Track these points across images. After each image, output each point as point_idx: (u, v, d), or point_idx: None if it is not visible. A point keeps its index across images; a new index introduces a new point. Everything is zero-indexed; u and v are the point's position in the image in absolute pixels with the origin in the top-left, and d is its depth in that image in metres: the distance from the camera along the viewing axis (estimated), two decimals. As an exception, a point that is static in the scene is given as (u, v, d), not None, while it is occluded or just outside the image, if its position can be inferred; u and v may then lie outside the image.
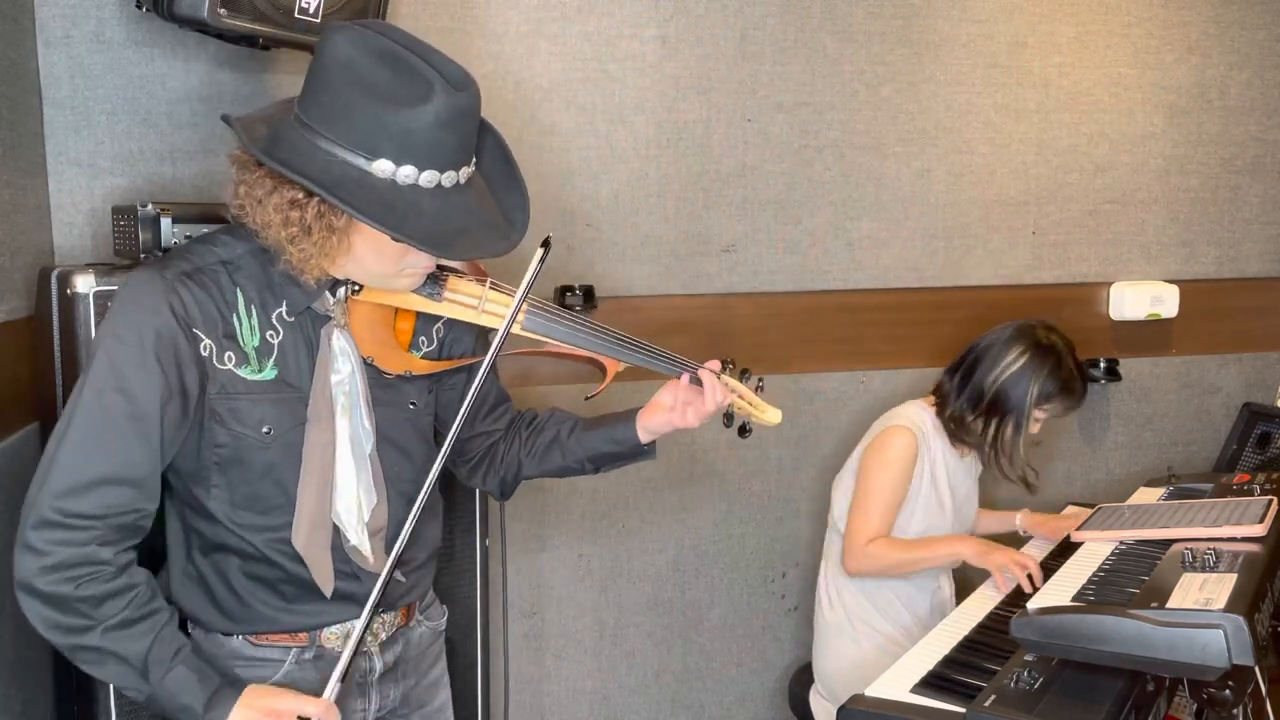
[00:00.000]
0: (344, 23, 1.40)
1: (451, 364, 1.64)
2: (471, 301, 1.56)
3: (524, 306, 1.60)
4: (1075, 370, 2.34)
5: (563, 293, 2.53)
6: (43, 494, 1.34)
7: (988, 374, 2.34)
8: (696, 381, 1.68)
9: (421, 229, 1.33)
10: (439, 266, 1.54)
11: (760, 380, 1.79)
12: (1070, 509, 2.68)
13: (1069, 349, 2.36)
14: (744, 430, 1.75)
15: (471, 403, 1.43)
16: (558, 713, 2.74)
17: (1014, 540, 2.49)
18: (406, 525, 1.42)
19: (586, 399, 1.75)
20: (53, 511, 1.33)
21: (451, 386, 1.68)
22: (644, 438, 1.70)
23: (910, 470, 2.35)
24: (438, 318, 1.62)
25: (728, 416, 1.72)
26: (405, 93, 1.32)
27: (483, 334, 1.68)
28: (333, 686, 1.42)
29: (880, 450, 2.37)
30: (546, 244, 1.43)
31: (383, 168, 1.32)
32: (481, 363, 1.45)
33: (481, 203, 1.43)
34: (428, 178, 1.34)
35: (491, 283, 1.58)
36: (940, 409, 2.41)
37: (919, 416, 2.40)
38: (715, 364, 1.71)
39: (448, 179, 1.36)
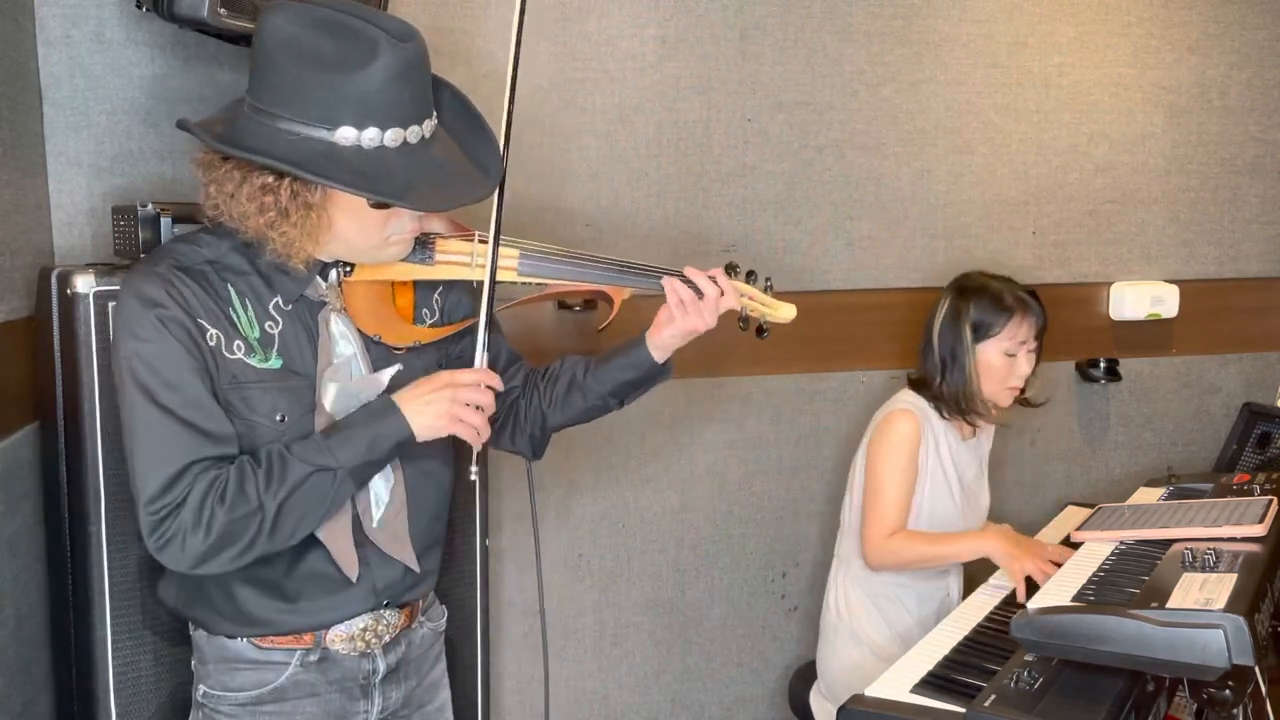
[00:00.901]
0: (278, 1, 1.38)
1: (457, 327, 1.63)
2: (463, 259, 1.56)
3: (515, 252, 1.60)
4: (1005, 288, 2.36)
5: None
6: (142, 504, 1.37)
7: (932, 333, 2.40)
8: (697, 291, 1.66)
9: (396, 187, 1.34)
10: (425, 232, 1.54)
11: (769, 280, 1.78)
12: (1069, 510, 2.67)
13: (996, 279, 2.40)
14: (760, 331, 1.74)
15: (483, 350, 1.45)
16: (558, 713, 2.74)
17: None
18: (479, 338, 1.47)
19: (599, 330, 1.74)
20: (156, 513, 1.36)
21: (460, 355, 1.67)
22: (658, 356, 1.68)
23: (916, 452, 2.34)
24: (435, 288, 1.62)
25: (742, 320, 1.72)
26: (352, 56, 1.32)
27: (480, 293, 1.67)
28: (480, 355, 1.49)
29: (885, 437, 2.36)
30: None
31: (345, 135, 1.33)
32: (480, 312, 1.47)
33: (449, 154, 1.44)
34: (392, 136, 1.35)
35: (479, 236, 1.58)
36: (922, 389, 2.42)
37: (916, 400, 2.40)
38: (718, 270, 1.69)
39: (412, 134, 1.37)
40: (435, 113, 1.44)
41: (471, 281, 1.62)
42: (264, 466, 1.38)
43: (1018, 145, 2.95)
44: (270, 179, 1.35)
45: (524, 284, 1.62)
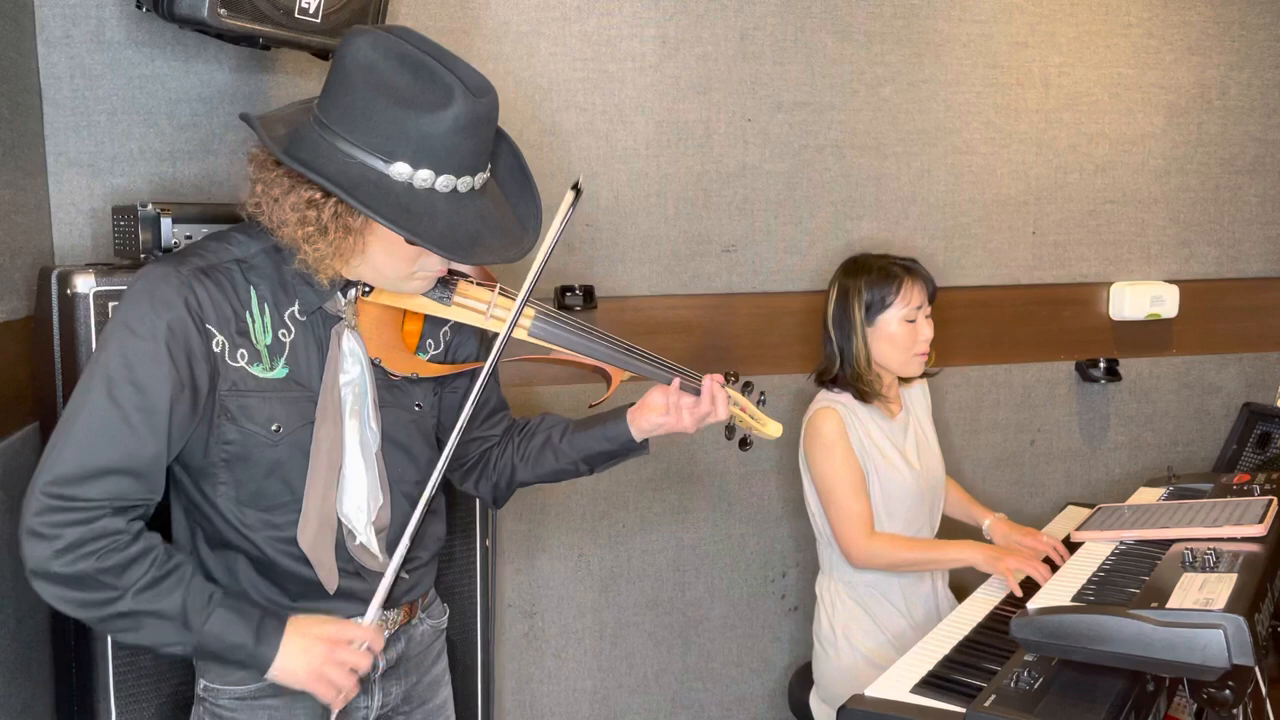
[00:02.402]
0: (367, 26, 1.41)
1: (457, 368, 1.65)
2: (480, 307, 1.57)
3: (531, 311, 1.61)
4: (887, 261, 2.38)
5: (562, 293, 2.53)
6: (46, 480, 1.33)
7: (827, 323, 2.42)
8: (694, 392, 1.69)
9: (436, 233, 1.34)
10: (450, 271, 1.55)
11: (763, 394, 1.81)
12: (1069, 509, 2.67)
13: (879, 257, 2.41)
14: (745, 443, 1.77)
15: (473, 406, 1.44)
16: (558, 713, 2.74)
17: (977, 534, 2.49)
18: (412, 522, 1.43)
19: (591, 407, 1.76)
20: (56, 498, 1.32)
21: (454, 390, 1.68)
22: (637, 436, 1.70)
23: (849, 444, 2.35)
24: (445, 321, 1.62)
25: (729, 429, 1.75)
26: (425, 97, 1.33)
27: (488, 339, 1.68)
28: (374, 611, 1.46)
29: (815, 440, 2.37)
30: (577, 188, 1.45)
31: (400, 170, 1.33)
32: (483, 368, 1.46)
33: (496, 208, 1.45)
34: (444, 182, 1.36)
35: (500, 288, 1.59)
36: (829, 382, 2.42)
37: (830, 396, 2.41)
38: (718, 377, 1.71)
39: (463, 184, 1.38)
40: (490, 164, 1.45)
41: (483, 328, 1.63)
42: (160, 570, 1.37)
43: (1018, 145, 2.95)
44: (318, 195, 1.36)
45: (531, 344, 1.63)
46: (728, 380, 1.73)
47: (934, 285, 2.41)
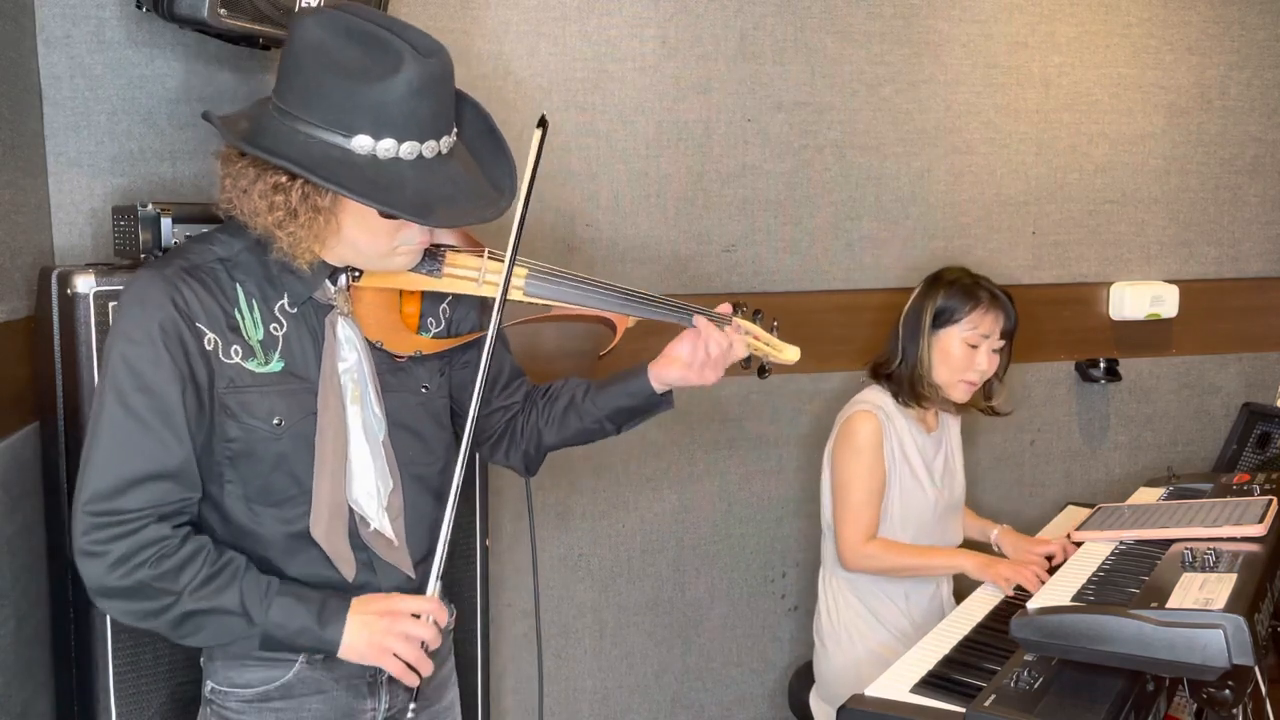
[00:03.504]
0: (314, 7, 1.39)
1: (460, 340, 1.63)
2: (471, 274, 1.56)
3: (523, 271, 1.59)
4: (978, 282, 2.37)
5: (563, 293, 2.53)
6: (83, 500, 1.35)
7: (900, 320, 2.42)
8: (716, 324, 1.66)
9: (406, 199, 1.34)
10: (435, 244, 1.54)
11: (775, 322, 1.79)
12: (1069, 509, 2.68)
13: (973, 275, 2.40)
14: (763, 371, 1.76)
15: (485, 371, 1.44)
16: (558, 713, 2.74)
17: (986, 549, 2.48)
18: (445, 526, 1.44)
19: (600, 356, 1.75)
20: (98, 514, 1.34)
21: (465, 364, 1.67)
22: (659, 388, 1.69)
23: (881, 451, 2.34)
24: (443, 298, 1.62)
25: (745, 360, 1.72)
26: (376, 66, 1.33)
27: (488, 307, 1.67)
28: (433, 586, 1.46)
29: (848, 440, 2.36)
30: (543, 123, 1.45)
31: (362, 143, 1.33)
32: (488, 334, 1.46)
33: (466, 171, 1.44)
34: (408, 149, 1.35)
35: (489, 252, 1.58)
36: (880, 371, 2.43)
37: (877, 398, 2.40)
38: (727, 307, 1.70)
39: (428, 149, 1.37)
40: (456, 128, 1.44)
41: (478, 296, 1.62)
42: (213, 568, 1.38)
43: (1018, 145, 2.95)
44: (283, 179, 1.36)
45: (529, 303, 1.62)
46: (737, 310, 1.71)
47: (1014, 322, 2.38)
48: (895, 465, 2.36)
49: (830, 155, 2.78)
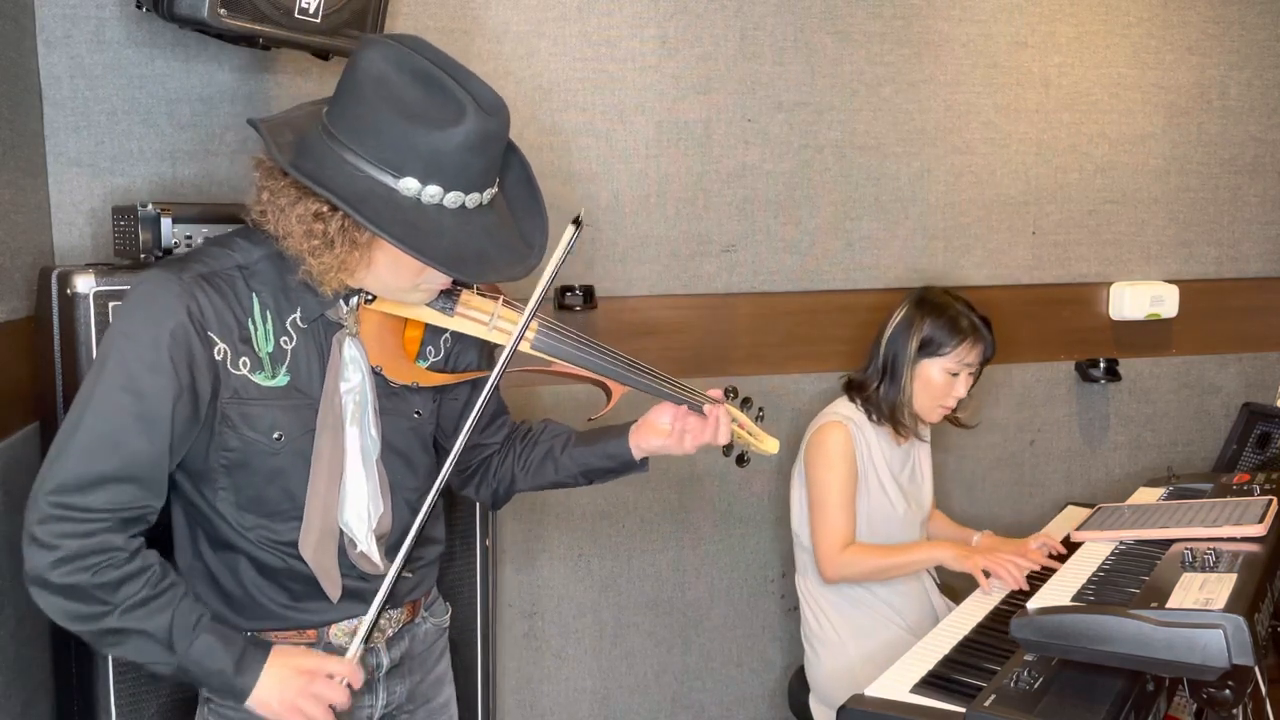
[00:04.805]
0: (380, 36, 1.39)
1: (458, 378, 1.64)
2: (483, 318, 1.56)
3: (534, 324, 1.60)
4: (964, 311, 2.36)
5: (562, 293, 2.53)
6: (48, 488, 1.33)
7: (882, 338, 2.41)
8: (699, 411, 1.68)
9: (442, 250, 1.33)
10: (454, 281, 1.54)
11: (760, 410, 1.80)
12: (1069, 509, 2.68)
13: (958, 301, 2.39)
14: (742, 460, 1.76)
15: (475, 420, 1.43)
16: (558, 713, 2.74)
17: None
18: (414, 527, 1.42)
19: (589, 420, 1.76)
20: (58, 506, 1.32)
21: (454, 397, 1.68)
22: (637, 455, 1.70)
23: (854, 462, 2.35)
24: (448, 330, 1.62)
25: (726, 446, 1.73)
26: (437, 113, 1.32)
27: (490, 349, 1.68)
28: (355, 647, 1.44)
29: (820, 450, 2.36)
30: (578, 222, 1.44)
31: (408, 186, 1.32)
32: (487, 379, 1.46)
33: (501, 224, 1.44)
34: (452, 198, 1.35)
35: (504, 300, 1.58)
36: (857, 393, 2.43)
37: (847, 409, 2.41)
38: (717, 393, 1.71)
39: (471, 200, 1.37)
40: (499, 178, 1.44)
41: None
42: (152, 590, 1.36)
43: (1018, 145, 2.95)
44: (324, 208, 1.35)
45: (533, 356, 1.63)
46: (728, 396, 1.72)
47: (993, 351, 2.40)
48: (864, 475, 2.37)
49: (830, 155, 2.78)
